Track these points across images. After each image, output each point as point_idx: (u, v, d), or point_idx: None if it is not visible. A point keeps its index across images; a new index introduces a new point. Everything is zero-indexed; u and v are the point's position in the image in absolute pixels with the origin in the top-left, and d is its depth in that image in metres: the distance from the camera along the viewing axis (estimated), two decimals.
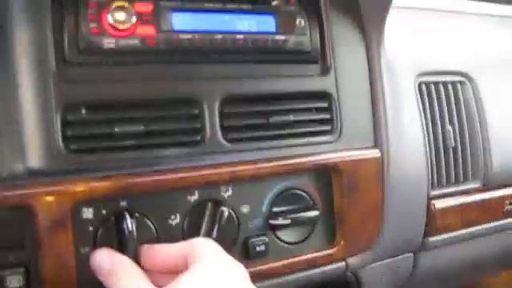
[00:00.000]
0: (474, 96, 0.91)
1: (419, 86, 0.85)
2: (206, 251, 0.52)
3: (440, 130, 0.86)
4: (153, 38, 0.59)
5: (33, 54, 0.54)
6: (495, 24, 1.11)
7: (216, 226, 0.61)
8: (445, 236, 0.87)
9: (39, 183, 0.53)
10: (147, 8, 0.59)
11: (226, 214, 0.62)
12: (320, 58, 0.71)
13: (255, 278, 0.54)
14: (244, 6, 0.65)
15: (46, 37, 0.55)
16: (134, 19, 0.58)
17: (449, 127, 0.87)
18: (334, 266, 0.73)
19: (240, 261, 0.53)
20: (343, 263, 0.74)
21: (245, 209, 0.65)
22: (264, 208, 0.67)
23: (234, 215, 0.64)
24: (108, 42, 0.57)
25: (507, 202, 0.93)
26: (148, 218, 0.59)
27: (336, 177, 0.71)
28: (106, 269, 0.52)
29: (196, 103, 0.61)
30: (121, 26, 0.57)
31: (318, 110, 0.70)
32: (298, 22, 0.68)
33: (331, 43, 0.71)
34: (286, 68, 0.68)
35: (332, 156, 0.70)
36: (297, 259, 0.69)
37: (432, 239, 0.85)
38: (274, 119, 0.66)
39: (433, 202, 0.84)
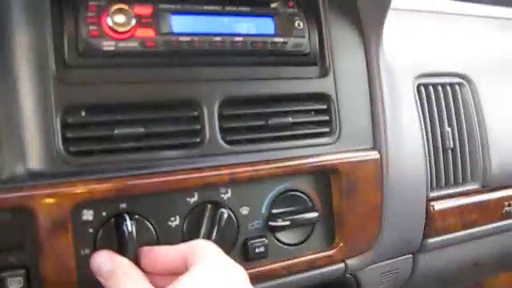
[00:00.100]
0: (473, 98, 0.91)
1: (418, 87, 0.85)
2: (206, 253, 0.52)
3: (439, 132, 0.86)
4: (152, 41, 0.59)
5: (33, 57, 0.54)
6: (494, 26, 1.11)
7: (215, 228, 0.61)
8: (444, 237, 0.87)
9: (39, 185, 0.53)
10: (146, 11, 0.59)
11: (225, 215, 0.62)
12: (319, 60, 0.71)
13: (255, 279, 0.54)
14: (243, 9, 0.65)
15: (46, 40, 0.55)
16: (133, 22, 0.58)
17: (447, 129, 0.87)
18: (334, 267, 0.73)
19: (239, 262, 0.53)
20: (342, 265, 0.74)
21: (244, 210, 0.65)
22: (263, 210, 0.67)
23: (234, 217, 0.64)
24: (107, 45, 0.57)
25: (506, 203, 0.93)
26: (148, 220, 0.59)
27: (335, 178, 0.71)
28: (106, 271, 0.53)
29: (195, 105, 0.62)
30: (120, 29, 0.57)
31: (317, 111, 0.70)
32: (296, 24, 0.68)
33: (330, 45, 0.72)
34: (284, 70, 0.68)
35: (331, 158, 0.70)
36: (296, 260, 0.69)
37: (431, 241, 0.85)
38: (273, 121, 0.66)
39: (432, 203, 0.84)
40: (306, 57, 0.70)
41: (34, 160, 0.53)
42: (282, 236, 0.68)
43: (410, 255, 0.87)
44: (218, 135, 0.62)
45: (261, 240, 0.66)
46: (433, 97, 0.87)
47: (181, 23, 0.61)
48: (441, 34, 0.97)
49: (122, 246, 0.55)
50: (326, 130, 0.71)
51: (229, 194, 0.64)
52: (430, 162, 0.84)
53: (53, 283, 0.53)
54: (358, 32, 0.75)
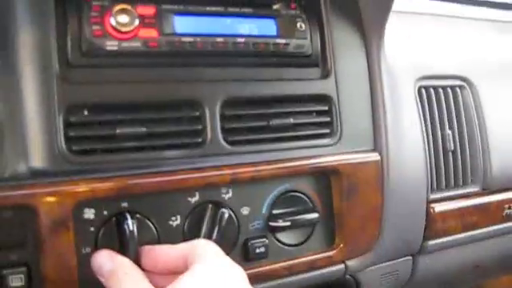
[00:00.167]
0: (474, 100, 0.91)
1: (419, 90, 0.85)
2: (206, 252, 0.52)
3: (439, 134, 0.86)
4: (155, 41, 0.59)
5: (36, 57, 0.54)
6: (495, 29, 1.11)
7: (216, 228, 0.61)
8: (444, 239, 0.87)
9: (41, 184, 0.53)
10: (150, 11, 0.60)
11: (226, 215, 0.62)
12: (320, 62, 0.71)
13: (255, 279, 0.54)
14: (245, 10, 0.66)
15: (50, 40, 0.55)
16: (136, 22, 0.58)
17: (448, 131, 0.87)
18: (334, 268, 0.73)
19: (240, 262, 0.53)
20: (342, 265, 0.74)
21: (245, 211, 0.65)
22: (264, 210, 0.67)
23: (235, 217, 0.64)
24: (111, 45, 0.57)
25: (506, 205, 0.93)
26: (149, 219, 0.59)
27: (336, 180, 0.71)
28: (106, 270, 0.53)
29: (197, 105, 0.62)
30: (123, 29, 0.58)
31: (319, 113, 0.71)
32: (298, 25, 0.69)
33: (332, 47, 0.72)
34: (286, 71, 0.68)
35: (332, 159, 0.70)
36: (296, 261, 0.69)
37: (431, 242, 0.86)
38: (274, 122, 0.66)
39: (432, 205, 0.84)
40: (308, 58, 0.70)
41: (37, 158, 0.53)
42: (282, 236, 0.68)
43: (410, 257, 0.87)
44: (220, 135, 0.62)
45: (261, 240, 0.66)
46: (434, 99, 0.87)
47: (184, 24, 0.61)
48: (442, 37, 0.97)
49: (122, 244, 0.56)
50: (327, 131, 0.71)
51: (230, 194, 0.64)
52: (430, 164, 0.84)
53: (54, 281, 0.54)
54: (359, 34, 0.76)
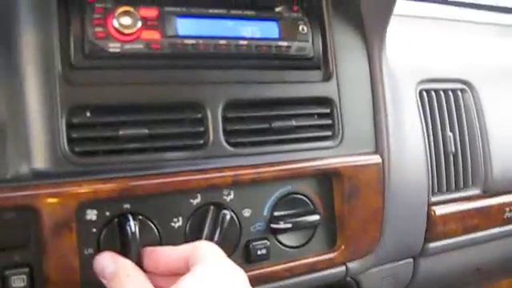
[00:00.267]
0: (475, 103, 0.91)
1: (420, 93, 0.85)
2: (207, 254, 0.52)
3: (440, 137, 0.86)
4: (157, 43, 0.60)
5: (39, 59, 0.55)
6: (496, 33, 1.12)
7: (218, 230, 0.62)
8: (445, 242, 0.87)
9: (44, 185, 0.53)
10: (152, 13, 0.60)
11: (227, 217, 0.62)
12: (322, 65, 0.71)
13: (256, 281, 0.54)
14: (248, 13, 0.66)
15: (53, 41, 0.55)
16: (139, 24, 0.59)
17: (449, 134, 0.87)
18: (335, 270, 0.74)
19: (241, 264, 0.53)
20: (343, 268, 0.74)
21: (246, 212, 0.66)
22: (265, 212, 0.67)
23: (236, 219, 0.64)
24: (113, 46, 0.58)
25: (507, 208, 0.93)
26: (151, 221, 0.59)
27: (337, 182, 0.71)
28: (109, 272, 0.53)
29: (199, 107, 0.62)
30: (126, 31, 0.58)
31: (320, 115, 0.71)
32: (300, 28, 0.69)
33: (333, 50, 0.72)
34: (288, 74, 0.69)
35: (333, 161, 0.70)
36: (297, 263, 0.69)
37: (432, 245, 0.86)
38: (276, 124, 0.66)
39: (433, 208, 0.84)
40: (310, 61, 0.70)
41: (39, 160, 0.54)
42: (283, 238, 0.68)
43: (411, 259, 0.87)
44: (222, 137, 0.63)
45: (263, 242, 0.66)
46: (435, 102, 0.87)
47: (186, 26, 0.62)
48: (443, 40, 0.97)
49: (124, 246, 0.56)
50: (329, 133, 0.71)
51: (231, 196, 0.64)
52: (431, 167, 0.84)
53: (56, 282, 0.54)
54: (361, 37, 0.76)
